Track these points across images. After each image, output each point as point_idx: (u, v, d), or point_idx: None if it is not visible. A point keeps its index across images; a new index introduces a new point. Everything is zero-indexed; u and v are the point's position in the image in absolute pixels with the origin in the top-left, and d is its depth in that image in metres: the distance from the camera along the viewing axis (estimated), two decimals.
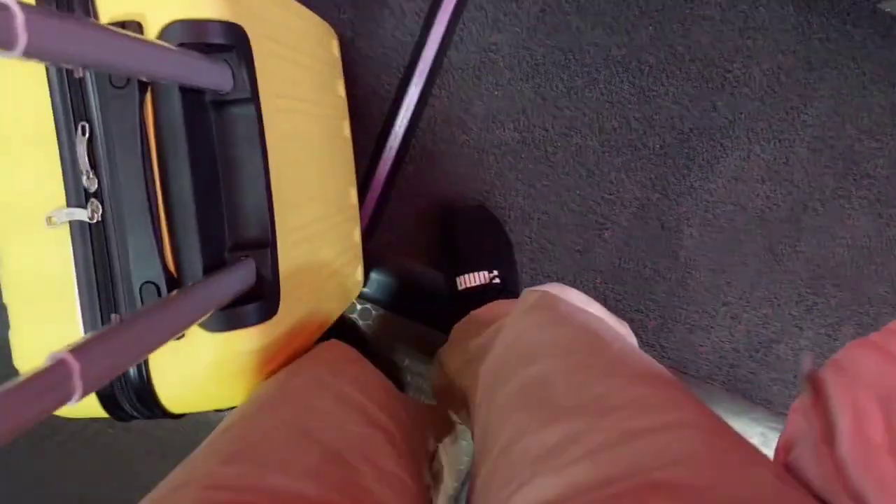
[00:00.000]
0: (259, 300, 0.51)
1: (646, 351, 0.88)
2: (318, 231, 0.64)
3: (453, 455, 0.74)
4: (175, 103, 0.47)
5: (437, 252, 0.88)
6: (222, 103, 0.50)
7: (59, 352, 0.31)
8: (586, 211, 0.87)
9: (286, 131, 0.56)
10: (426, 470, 0.54)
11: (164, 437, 0.91)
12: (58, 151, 0.49)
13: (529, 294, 0.64)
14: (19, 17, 0.29)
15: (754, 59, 0.85)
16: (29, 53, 0.30)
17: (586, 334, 0.52)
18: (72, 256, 0.49)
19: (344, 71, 0.84)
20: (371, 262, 0.87)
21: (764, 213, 0.87)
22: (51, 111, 0.48)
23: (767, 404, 0.90)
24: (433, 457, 0.66)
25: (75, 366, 0.31)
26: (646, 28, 0.84)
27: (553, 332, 0.55)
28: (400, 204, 0.88)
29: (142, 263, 0.48)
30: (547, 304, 0.61)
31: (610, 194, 0.87)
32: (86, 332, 0.50)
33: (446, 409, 0.76)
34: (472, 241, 0.85)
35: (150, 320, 0.39)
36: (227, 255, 0.52)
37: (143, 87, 0.47)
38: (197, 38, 0.47)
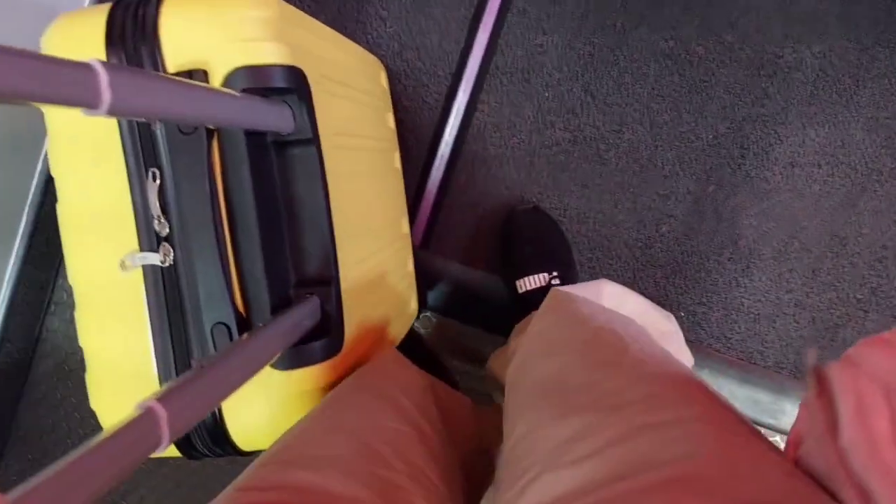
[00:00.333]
0: (324, 337, 0.51)
1: (711, 344, 0.87)
2: (375, 264, 0.65)
3: None
4: (241, 147, 0.48)
5: (495, 257, 0.88)
6: (283, 144, 0.51)
7: (147, 400, 0.31)
8: (642, 207, 0.87)
9: (343, 168, 0.57)
10: (461, 474, 0.54)
11: None
12: (129, 197, 0.49)
13: (552, 293, 0.64)
14: (103, 78, 0.29)
15: (804, 44, 0.84)
16: (112, 112, 0.30)
17: (605, 333, 0.52)
18: (144, 299, 0.50)
19: (391, 81, 0.84)
20: (428, 273, 0.87)
21: (822, 197, 0.86)
22: (122, 161, 0.49)
23: None
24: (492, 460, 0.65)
25: (163, 413, 0.31)
26: (692, 21, 0.84)
27: (570, 330, 0.56)
28: (454, 211, 0.88)
29: (212, 305, 0.48)
30: (561, 304, 0.62)
31: (665, 188, 0.87)
32: (159, 372, 0.50)
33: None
34: (530, 244, 0.85)
35: (228, 365, 0.39)
36: (291, 292, 0.52)
37: (209, 132, 0.47)
38: (259, 83, 0.47)
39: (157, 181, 0.48)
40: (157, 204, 0.48)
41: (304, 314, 0.50)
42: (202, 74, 0.47)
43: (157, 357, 0.50)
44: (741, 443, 0.34)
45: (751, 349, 0.88)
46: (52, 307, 0.87)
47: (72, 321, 0.69)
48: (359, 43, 0.75)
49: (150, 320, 0.50)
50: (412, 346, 0.89)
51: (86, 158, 0.51)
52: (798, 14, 0.84)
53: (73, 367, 0.87)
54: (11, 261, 0.79)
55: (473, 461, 0.60)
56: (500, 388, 0.71)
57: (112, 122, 0.49)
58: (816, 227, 0.87)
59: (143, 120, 0.44)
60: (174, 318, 0.50)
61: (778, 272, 0.87)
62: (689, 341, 0.87)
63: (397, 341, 0.76)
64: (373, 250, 0.64)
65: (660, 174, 0.87)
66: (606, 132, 0.86)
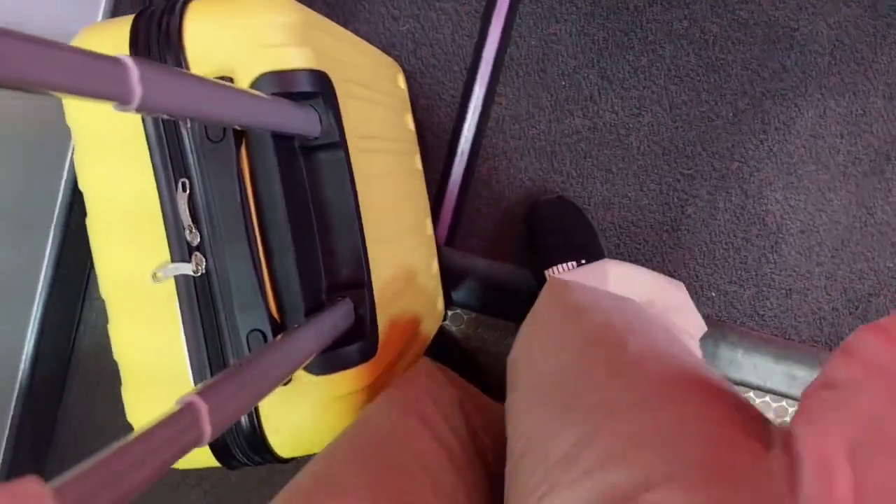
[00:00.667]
0: (358, 340, 0.51)
1: (745, 322, 0.87)
2: (404, 266, 0.64)
3: None
4: (269, 151, 0.48)
5: (522, 248, 0.87)
6: (310, 149, 0.51)
7: (188, 395, 0.31)
8: (666, 189, 0.87)
9: (369, 171, 0.56)
10: (486, 485, 0.54)
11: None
12: (160, 208, 0.49)
13: (548, 283, 0.64)
14: (134, 72, 0.29)
15: (819, 15, 0.84)
16: (142, 107, 0.30)
17: (602, 329, 0.52)
18: (178, 310, 0.50)
19: (408, 80, 0.84)
20: (455, 270, 0.86)
21: (847, 167, 0.86)
22: (151, 172, 0.49)
23: None
24: None
25: (203, 407, 0.31)
26: None
27: (564, 327, 0.55)
28: (478, 206, 0.88)
29: (247, 312, 0.48)
30: (556, 296, 0.61)
31: (688, 169, 0.86)
32: (195, 383, 0.50)
33: None
34: (556, 233, 0.84)
35: (265, 362, 0.39)
36: (324, 297, 0.52)
37: (237, 139, 0.47)
38: (285, 88, 0.47)
39: (187, 191, 0.48)
40: (188, 213, 0.48)
41: (337, 317, 0.49)
42: (229, 80, 0.47)
43: (192, 367, 0.50)
44: (733, 444, 0.34)
45: (784, 325, 0.87)
46: (83, 327, 0.87)
47: (103, 336, 0.68)
48: (373, 44, 0.75)
49: (185, 330, 0.50)
50: (445, 346, 0.88)
51: (114, 171, 0.51)
52: None
53: (105, 383, 0.87)
54: (41, 281, 0.78)
55: (501, 470, 0.60)
56: None
57: (140, 135, 0.49)
58: (843, 198, 0.86)
59: (173, 118, 0.44)
60: (209, 326, 0.49)
61: (807, 245, 0.87)
62: (721, 321, 0.87)
63: (428, 341, 0.75)
64: (401, 252, 0.64)
65: (682, 155, 0.86)
66: (626, 117, 0.86)
